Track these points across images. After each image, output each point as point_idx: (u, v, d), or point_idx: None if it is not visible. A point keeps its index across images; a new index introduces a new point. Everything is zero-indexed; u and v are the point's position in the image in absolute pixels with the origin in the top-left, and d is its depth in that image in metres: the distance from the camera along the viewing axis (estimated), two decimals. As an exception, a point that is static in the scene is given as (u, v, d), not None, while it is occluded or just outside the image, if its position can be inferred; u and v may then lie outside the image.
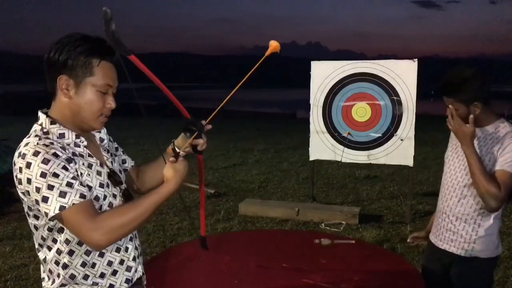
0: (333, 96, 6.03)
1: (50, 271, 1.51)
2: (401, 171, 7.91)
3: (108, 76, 1.47)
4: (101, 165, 1.54)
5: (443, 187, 2.44)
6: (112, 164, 1.61)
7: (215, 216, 5.85)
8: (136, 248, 1.65)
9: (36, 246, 1.54)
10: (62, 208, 1.32)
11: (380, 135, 5.81)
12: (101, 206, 1.48)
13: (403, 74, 5.65)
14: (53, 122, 1.47)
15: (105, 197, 1.50)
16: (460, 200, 2.30)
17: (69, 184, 1.35)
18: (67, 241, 1.45)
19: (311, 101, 6.11)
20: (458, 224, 2.32)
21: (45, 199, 1.33)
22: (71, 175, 1.36)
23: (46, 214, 1.35)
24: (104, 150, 1.64)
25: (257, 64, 1.62)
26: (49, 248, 1.48)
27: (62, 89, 1.45)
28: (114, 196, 1.55)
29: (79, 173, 1.42)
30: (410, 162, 5.65)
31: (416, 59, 5.61)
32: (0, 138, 13.29)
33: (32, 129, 1.47)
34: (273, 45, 1.65)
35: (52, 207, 1.32)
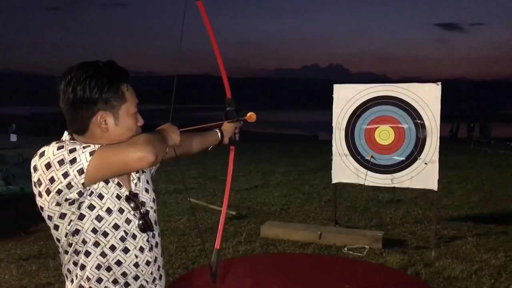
0: (356, 119, 6.02)
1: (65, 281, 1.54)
2: (425, 195, 7.79)
3: (135, 96, 1.50)
4: (120, 187, 1.52)
5: None
6: (136, 185, 1.58)
7: (236, 238, 5.84)
8: (159, 269, 1.64)
9: (62, 262, 1.55)
10: (92, 152, 1.34)
11: (403, 158, 5.76)
12: (106, 232, 1.48)
13: (426, 97, 5.62)
14: (59, 141, 1.45)
15: (116, 225, 1.49)
16: None
17: (85, 145, 1.37)
18: (84, 242, 1.46)
19: (334, 124, 6.11)
20: None
21: (73, 160, 1.33)
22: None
23: (81, 171, 1.33)
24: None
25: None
26: (66, 252, 1.49)
27: (100, 125, 1.44)
28: (128, 221, 1.53)
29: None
30: (434, 186, 5.57)
31: (440, 83, 5.58)
32: (28, 158, 13.62)
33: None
34: (248, 115, 2.12)
35: (83, 159, 1.33)
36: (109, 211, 1.47)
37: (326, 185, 9.02)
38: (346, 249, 5.41)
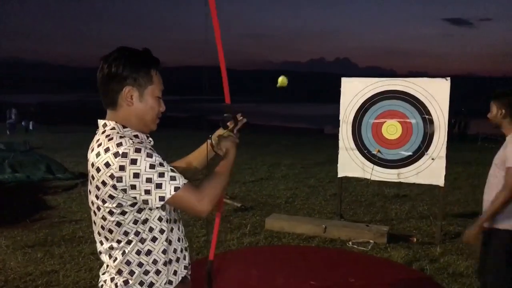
0: (363, 113, 5.99)
1: (119, 271, 1.62)
2: (432, 191, 7.75)
3: (161, 83, 1.70)
4: None
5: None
6: None
7: (241, 230, 5.84)
8: (186, 249, 1.82)
9: (107, 246, 1.62)
10: (177, 188, 1.53)
11: (410, 153, 5.72)
12: (168, 219, 1.67)
13: (435, 92, 5.58)
14: (124, 126, 1.64)
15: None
16: (489, 188, 3.10)
17: (173, 170, 1.57)
18: (150, 229, 1.61)
19: (341, 118, 6.08)
20: None
21: (159, 186, 1.52)
22: (168, 164, 1.59)
23: (162, 198, 1.53)
24: None
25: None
26: (129, 242, 1.60)
27: (126, 98, 1.62)
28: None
29: None
30: (441, 182, 5.54)
31: (449, 78, 5.53)
32: (34, 146, 13.70)
33: (107, 132, 1.60)
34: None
35: (168, 190, 1.53)
36: None
37: (331, 178, 9.00)
38: (350, 243, 5.40)
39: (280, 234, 5.72)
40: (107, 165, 1.51)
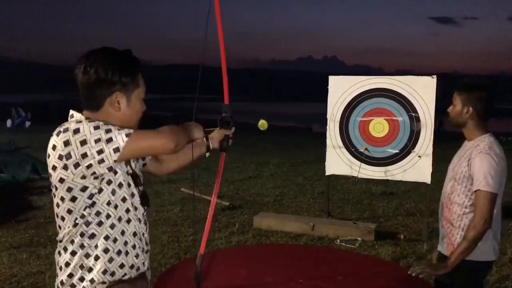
0: (350, 111, 6.01)
1: (82, 266, 1.60)
2: (418, 188, 7.80)
3: (144, 84, 1.69)
4: (126, 165, 1.68)
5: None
6: (135, 167, 1.74)
7: (229, 228, 5.84)
8: (147, 244, 1.78)
9: (62, 236, 1.62)
10: (128, 135, 1.51)
11: (397, 151, 5.76)
12: (116, 205, 1.62)
13: (421, 90, 5.62)
14: (91, 121, 1.56)
15: (124, 198, 1.65)
16: (448, 207, 2.64)
17: (119, 128, 1.53)
18: (97, 213, 1.58)
19: (328, 116, 6.10)
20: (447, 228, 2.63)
21: (109, 140, 1.49)
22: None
23: (116, 149, 1.49)
24: None
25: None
26: (76, 225, 1.57)
27: (113, 104, 1.60)
28: (133, 195, 1.68)
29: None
30: (427, 179, 5.59)
31: (435, 76, 5.58)
32: (20, 146, 13.53)
33: (68, 125, 1.55)
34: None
35: (120, 139, 1.50)
36: (120, 185, 1.63)
37: (319, 177, 9.03)
38: (338, 241, 5.42)
39: (268, 232, 5.73)
40: (54, 147, 1.51)
